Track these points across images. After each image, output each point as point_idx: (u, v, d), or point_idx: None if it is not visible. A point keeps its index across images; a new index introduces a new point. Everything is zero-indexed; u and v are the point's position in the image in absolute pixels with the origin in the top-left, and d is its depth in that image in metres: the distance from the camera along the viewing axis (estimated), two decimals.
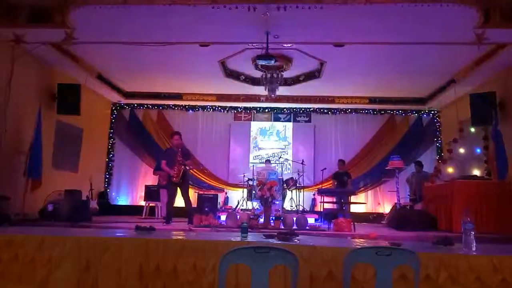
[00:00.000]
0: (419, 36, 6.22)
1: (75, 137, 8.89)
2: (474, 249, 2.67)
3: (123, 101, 10.50)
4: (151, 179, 9.84)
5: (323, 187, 9.31)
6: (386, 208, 9.84)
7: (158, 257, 2.70)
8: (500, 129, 6.98)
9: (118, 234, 3.13)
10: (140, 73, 8.94)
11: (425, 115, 10.53)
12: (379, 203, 10.25)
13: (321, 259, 2.60)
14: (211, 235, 3.44)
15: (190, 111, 10.86)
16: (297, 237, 3.07)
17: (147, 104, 10.75)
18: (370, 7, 5.29)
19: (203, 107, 10.83)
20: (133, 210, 9.72)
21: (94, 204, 9.24)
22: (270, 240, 2.85)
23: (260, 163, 10.15)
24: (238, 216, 6.49)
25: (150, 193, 8.96)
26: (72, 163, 8.79)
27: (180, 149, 6.78)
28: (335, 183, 8.76)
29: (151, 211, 9.09)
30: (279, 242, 2.75)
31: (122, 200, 10.47)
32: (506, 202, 6.02)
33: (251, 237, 3.19)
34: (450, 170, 8.22)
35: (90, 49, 7.42)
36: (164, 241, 2.76)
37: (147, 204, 9.04)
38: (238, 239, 3.00)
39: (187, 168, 6.90)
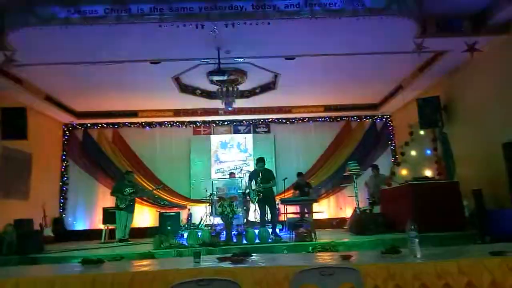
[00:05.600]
0: (364, 47, 6.51)
1: (24, 162, 8.42)
2: (419, 256, 2.77)
3: (75, 121, 10.12)
4: (110, 201, 9.46)
5: (285, 197, 9.38)
6: (348, 212, 10.07)
7: None
8: (446, 131, 7.39)
9: (62, 271, 2.97)
10: (92, 92, 8.66)
11: (378, 120, 10.95)
12: (341, 208, 10.47)
13: (273, 280, 2.58)
14: (164, 263, 3.35)
15: (147, 128, 10.64)
16: (251, 257, 3.06)
17: (101, 123, 10.41)
18: (315, 22, 5.44)
19: (160, 123, 10.64)
20: (92, 234, 9.35)
21: (48, 232, 8.79)
22: (222, 264, 2.81)
23: (222, 177, 10.09)
24: (199, 234, 6.38)
25: (108, 215, 8.62)
26: (22, 190, 8.30)
27: None
28: (297, 192, 8.85)
29: (111, 234, 8.73)
30: (231, 266, 2.73)
31: (80, 225, 10.01)
32: (454, 201, 6.35)
33: (206, 260, 3.14)
34: (404, 172, 8.57)
35: (36, 71, 7.09)
36: (112, 275, 2.64)
37: (106, 227, 8.68)
38: (191, 265, 2.94)
39: None
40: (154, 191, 9.57)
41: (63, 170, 10.08)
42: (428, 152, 8.54)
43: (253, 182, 7.34)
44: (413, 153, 8.77)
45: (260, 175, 7.21)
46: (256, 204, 7.64)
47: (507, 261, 2.61)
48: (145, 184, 10.05)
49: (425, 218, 6.04)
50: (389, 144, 10.78)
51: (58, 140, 10.12)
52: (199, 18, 5.33)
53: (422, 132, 8.53)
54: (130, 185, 8.24)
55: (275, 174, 8.06)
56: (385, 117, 10.88)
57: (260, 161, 7.42)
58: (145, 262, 3.41)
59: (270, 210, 7.25)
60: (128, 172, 8.74)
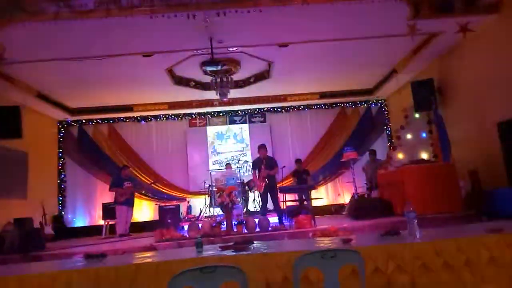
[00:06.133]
0: (357, 31, 6.48)
1: (20, 161, 8.36)
2: (418, 236, 2.81)
3: (70, 118, 10.04)
4: (109, 196, 9.46)
5: (284, 185, 9.41)
6: (346, 198, 10.14)
7: (110, 287, 2.60)
8: (441, 113, 7.41)
9: (66, 266, 2.98)
10: (85, 88, 8.57)
11: (373, 105, 10.96)
12: (339, 194, 10.54)
13: (275, 265, 2.62)
14: (167, 254, 3.38)
15: (143, 122, 10.59)
16: (253, 245, 3.09)
17: (96, 119, 10.34)
18: (307, 7, 5.40)
19: (156, 117, 10.59)
20: (92, 230, 9.37)
21: (49, 230, 8.79)
22: (225, 252, 2.84)
23: (220, 168, 10.10)
24: (200, 225, 6.42)
25: (108, 211, 8.64)
26: (19, 189, 8.26)
27: None
28: (295, 180, 8.90)
29: (112, 229, 8.76)
30: (234, 253, 2.75)
31: (80, 222, 10.01)
32: (450, 182, 6.39)
33: (209, 249, 3.16)
34: (400, 156, 8.61)
35: (26, 68, 6.99)
36: (115, 269, 2.66)
37: (106, 223, 8.70)
38: (194, 254, 2.96)
39: None
40: (152, 185, 9.56)
41: (60, 167, 10.04)
42: (424, 135, 8.58)
43: (257, 170, 7.37)
44: (408, 136, 8.80)
45: (264, 162, 7.23)
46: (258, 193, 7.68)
47: (505, 238, 2.66)
48: (143, 178, 10.04)
49: (422, 200, 6.12)
50: (385, 128, 10.81)
51: (54, 138, 10.05)
52: (190, 8, 5.27)
53: (417, 115, 8.56)
54: (128, 179, 8.24)
55: None
56: (380, 102, 10.89)
57: (262, 148, 7.44)
58: (147, 254, 3.43)
59: (272, 199, 7.27)
60: (124, 167, 8.74)
